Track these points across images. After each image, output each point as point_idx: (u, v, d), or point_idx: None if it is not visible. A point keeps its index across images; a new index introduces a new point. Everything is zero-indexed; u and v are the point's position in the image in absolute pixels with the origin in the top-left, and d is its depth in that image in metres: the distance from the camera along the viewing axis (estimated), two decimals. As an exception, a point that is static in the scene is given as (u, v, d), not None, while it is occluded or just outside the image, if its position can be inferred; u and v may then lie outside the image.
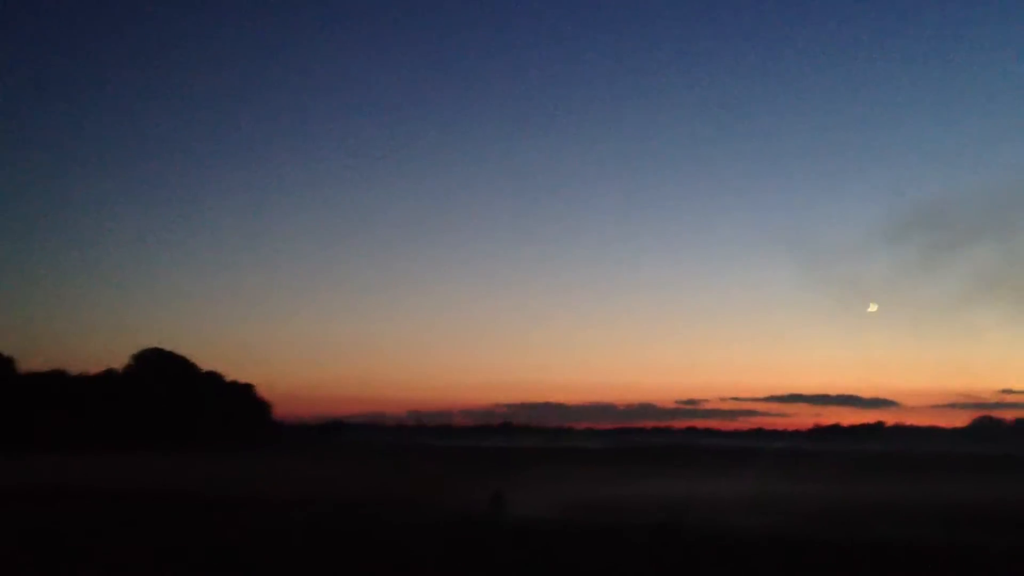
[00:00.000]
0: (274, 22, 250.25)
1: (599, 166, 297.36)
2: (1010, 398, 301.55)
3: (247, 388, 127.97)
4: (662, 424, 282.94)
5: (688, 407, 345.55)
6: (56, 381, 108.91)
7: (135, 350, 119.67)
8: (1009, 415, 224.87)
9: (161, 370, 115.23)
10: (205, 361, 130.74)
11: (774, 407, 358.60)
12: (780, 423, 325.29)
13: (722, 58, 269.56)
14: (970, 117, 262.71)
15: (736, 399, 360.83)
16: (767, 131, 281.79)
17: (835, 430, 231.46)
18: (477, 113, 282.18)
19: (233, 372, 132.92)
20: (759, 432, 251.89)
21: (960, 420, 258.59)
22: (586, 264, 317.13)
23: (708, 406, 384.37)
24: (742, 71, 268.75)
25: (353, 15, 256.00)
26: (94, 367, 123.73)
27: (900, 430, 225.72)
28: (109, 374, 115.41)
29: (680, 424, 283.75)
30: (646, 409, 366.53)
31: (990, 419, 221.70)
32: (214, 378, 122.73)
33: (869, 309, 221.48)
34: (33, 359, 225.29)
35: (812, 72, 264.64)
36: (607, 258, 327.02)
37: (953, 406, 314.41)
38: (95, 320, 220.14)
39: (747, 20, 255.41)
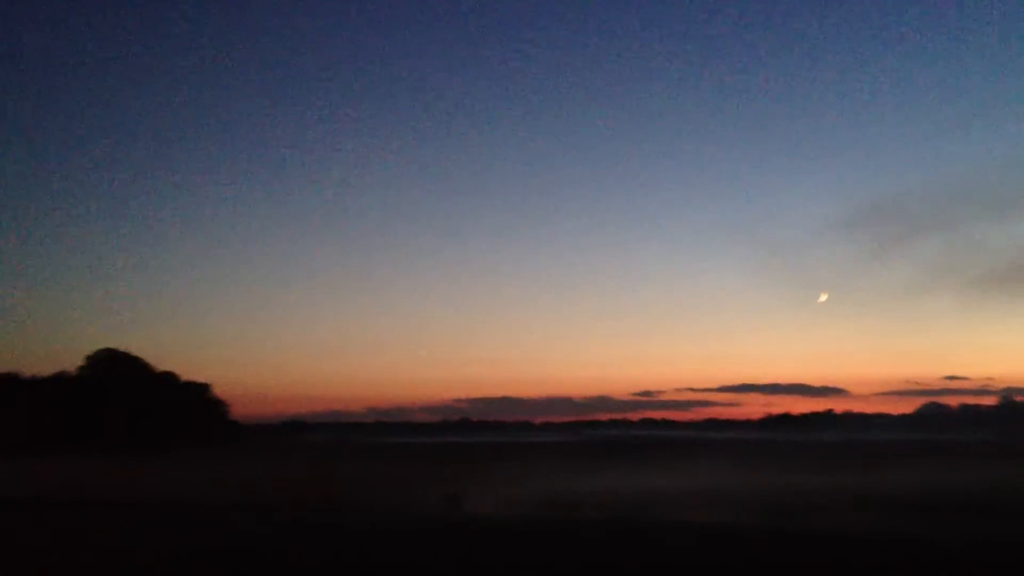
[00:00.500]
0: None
1: (554, 163, 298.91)
2: (954, 384, 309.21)
3: (203, 388, 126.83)
4: (618, 416, 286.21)
5: (644, 399, 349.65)
6: (8, 384, 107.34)
7: (88, 351, 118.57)
8: (954, 401, 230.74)
9: (115, 371, 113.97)
10: (160, 361, 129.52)
11: (727, 397, 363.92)
12: (733, 413, 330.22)
13: (676, 56, 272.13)
14: (918, 115, 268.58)
15: (691, 390, 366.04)
16: (721, 127, 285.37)
17: (786, 419, 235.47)
18: (431, 112, 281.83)
19: (189, 372, 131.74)
20: (713, 422, 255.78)
21: (907, 407, 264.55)
22: (541, 259, 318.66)
23: (663, 397, 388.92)
24: (695, 69, 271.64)
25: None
26: (47, 369, 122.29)
27: (849, 417, 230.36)
28: (62, 376, 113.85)
29: (636, 416, 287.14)
30: (603, 402, 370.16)
31: (936, 405, 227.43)
32: (169, 378, 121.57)
33: (819, 300, 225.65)
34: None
35: (765, 70, 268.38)
36: (562, 253, 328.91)
37: (900, 393, 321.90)
38: (47, 322, 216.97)
39: (702, 19, 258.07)
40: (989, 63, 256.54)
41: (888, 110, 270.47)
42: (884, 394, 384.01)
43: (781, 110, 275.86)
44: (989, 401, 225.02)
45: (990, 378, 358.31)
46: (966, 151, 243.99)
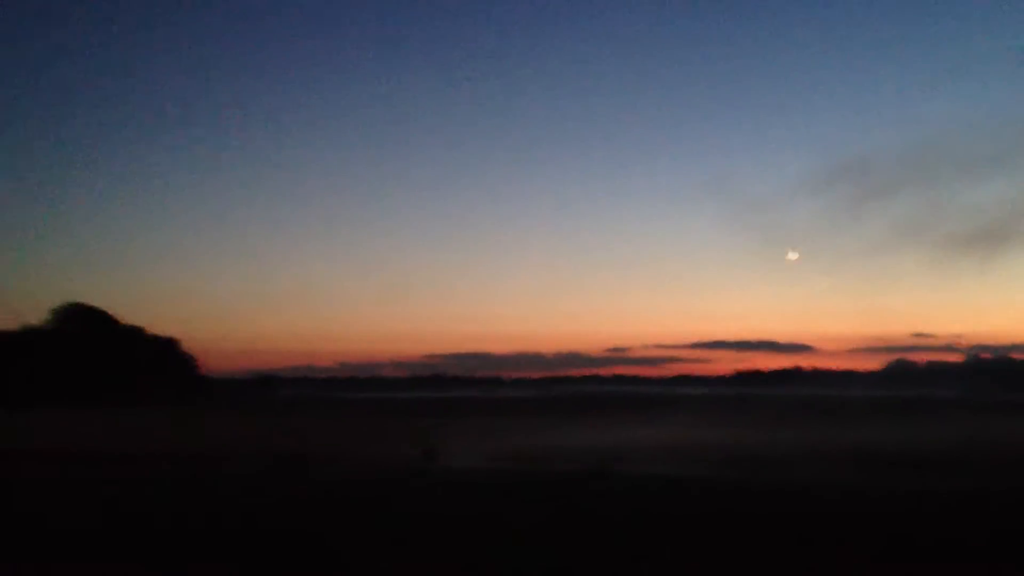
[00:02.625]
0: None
1: (526, 116, 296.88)
2: (923, 341, 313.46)
3: (171, 342, 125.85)
4: (590, 372, 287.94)
5: (615, 355, 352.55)
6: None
7: (54, 305, 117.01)
8: (921, 358, 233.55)
9: (81, 325, 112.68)
10: (127, 315, 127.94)
11: (697, 353, 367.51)
12: (703, 369, 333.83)
13: (647, 9, 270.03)
14: (892, 72, 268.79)
15: (661, 346, 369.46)
16: (693, 81, 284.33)
17: (755, 375, 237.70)
18: (398, 68, 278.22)
19: (156, 326, 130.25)
20: (683, 378, 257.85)
21: (875, 363, 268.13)
22: (513, 214, 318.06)
23: (634, 354, 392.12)
24: (666, 22, 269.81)
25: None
26: (11, 324, 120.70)
27: (817, 374, 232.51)
28: (28, 331, 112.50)
29: (608, 372, 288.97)
30: (574, 357, 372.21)
31: (903, 362, 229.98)
32: (136, 332, 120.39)
33: (789, 257, 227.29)
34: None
35: (737, 25, 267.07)
36: (534, 208, 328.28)
37: (868, 350, 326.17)
38: (12, 275, 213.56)
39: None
40: (964, 20, 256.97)
41: (862, 66, 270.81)
42: (852, 351, 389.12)
43: (753, 65, 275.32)
44: (956, 358, 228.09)
45: (958, 336, 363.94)
46: (940, 109, 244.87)
